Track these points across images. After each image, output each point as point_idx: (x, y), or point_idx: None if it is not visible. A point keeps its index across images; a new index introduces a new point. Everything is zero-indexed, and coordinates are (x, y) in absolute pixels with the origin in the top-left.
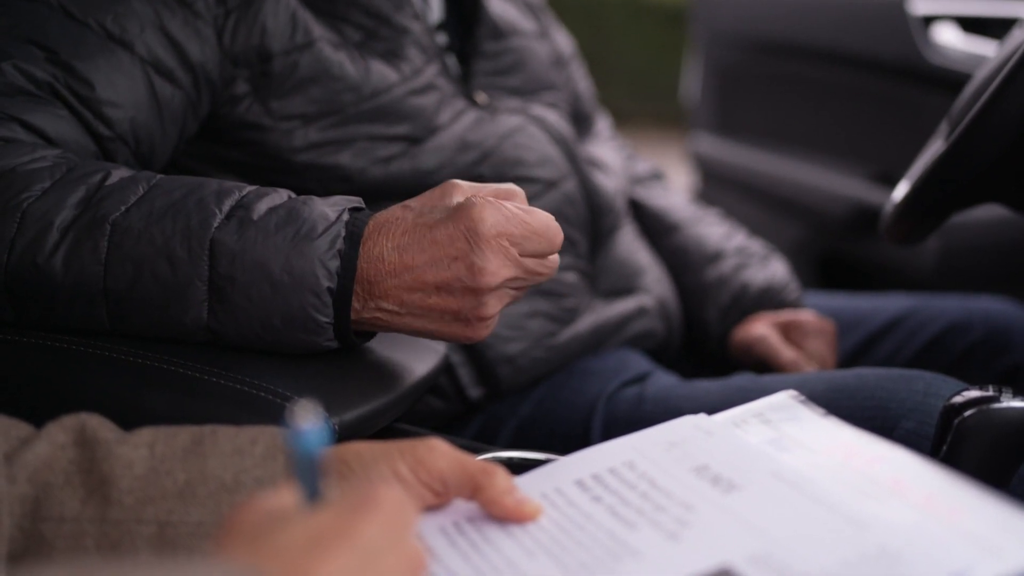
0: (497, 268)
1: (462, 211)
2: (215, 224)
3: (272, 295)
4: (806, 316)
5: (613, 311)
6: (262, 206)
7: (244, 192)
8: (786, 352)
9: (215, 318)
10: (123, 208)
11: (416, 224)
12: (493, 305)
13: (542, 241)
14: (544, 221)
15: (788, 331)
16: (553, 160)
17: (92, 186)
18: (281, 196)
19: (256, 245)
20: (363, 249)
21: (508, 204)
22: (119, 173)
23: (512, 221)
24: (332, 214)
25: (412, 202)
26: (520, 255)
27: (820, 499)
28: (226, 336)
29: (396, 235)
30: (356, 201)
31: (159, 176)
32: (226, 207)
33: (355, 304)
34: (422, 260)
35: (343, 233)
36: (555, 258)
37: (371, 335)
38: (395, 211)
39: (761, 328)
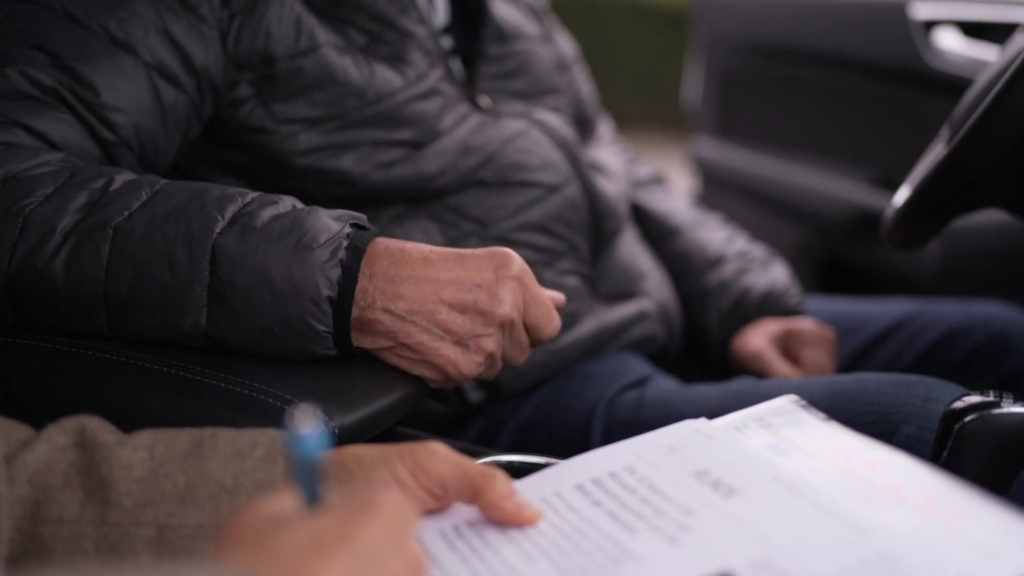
0: (512, 303)
1: (496, 250)
2: (217, 229)
3: (272, 302)
4: (805, 325)
5: (614, 315)
6: (266, 214)
7: (248, 199)
8: (782, 369)
9: (214, 324)
10: (126, 213)
11: (444, 245)
12: (492, 342)
13: (544, 315)
14: (552, 297)
15: (787, 340)
16: (555, 164)
17: (95, 191)
18: (286, 205)
19: (257, 252)
20: (387, 252)
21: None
22: (122, 178)
23: (532, 279)
24: (335, 226)
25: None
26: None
27: (820, 504)
28: (224, 342)
29: (424, 250)
30: (361, 217)
31: (163, 181)
32: (229, 213)
33: (362, 302)
34: (446, 277)
35: (345, 244)
36: (527, 354)
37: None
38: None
39: (757, 342)
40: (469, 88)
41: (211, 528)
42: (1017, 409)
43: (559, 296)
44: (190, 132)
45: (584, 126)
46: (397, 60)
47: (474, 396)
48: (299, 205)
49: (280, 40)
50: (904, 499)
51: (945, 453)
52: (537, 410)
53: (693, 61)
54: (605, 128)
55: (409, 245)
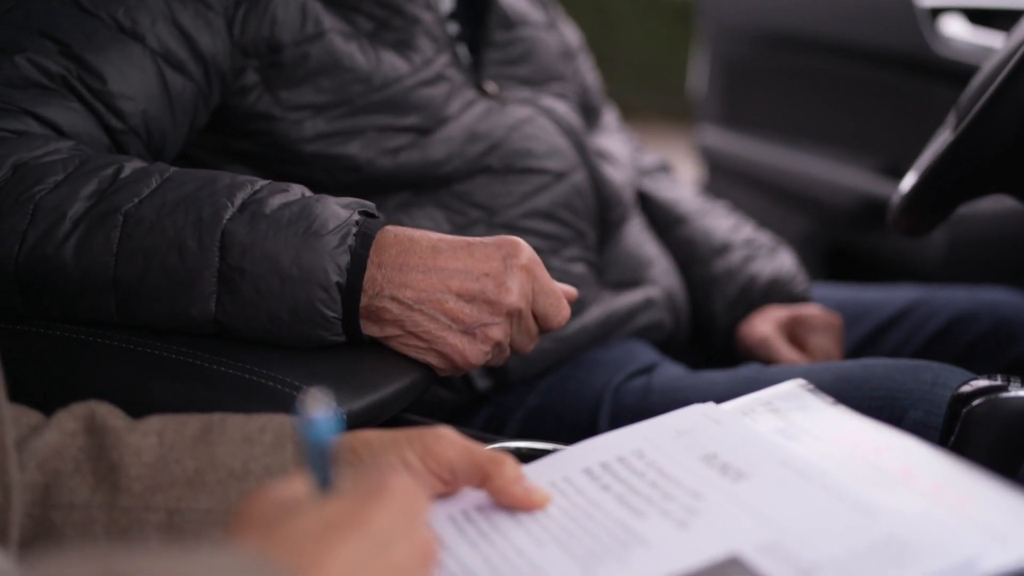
0: (520, 293)
1: (505, 238)
2: (227, 216)
3: (281, 288)
4: (812, 311)
5: (621, 302)
6: (275, 201)
7: (258, 186)
8: (788, 355)
9: (223, 310)
10: (136, 200)
11: (454, 234)
12: (500, 331)
13: (552, 304)
14: (564, 290)
15: (793, 326)
16: (562, 151)
17: (105, 179)
18: (295, 192)
19: (267, 238)
20: (396, 241)
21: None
22: (132, 166)
23: (542, 267)
24: (344, 213)
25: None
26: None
27: (829, 488)
28: (233, 329)
29: (433, 238)
30: (369, 205)
31: (173, 169)
32: (238, 200)
33: (370, 290)
34: (454, 266)
35: (354, 231)
36: (535, 342)
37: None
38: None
39: (764, 328)
40: (475, 74)
41: (220, 513)
42: None
43: (571, 289)
44: (197, 120)
45: (590, 114)
46: (403, 46)
47: (481, 383)
48: (308, 193)
49: (286, 26)
50: (912, 483)
51: (953, 437)
52: (544, 397)
53: (699, 50)
54: (611, 116)
55: (418, 234)
